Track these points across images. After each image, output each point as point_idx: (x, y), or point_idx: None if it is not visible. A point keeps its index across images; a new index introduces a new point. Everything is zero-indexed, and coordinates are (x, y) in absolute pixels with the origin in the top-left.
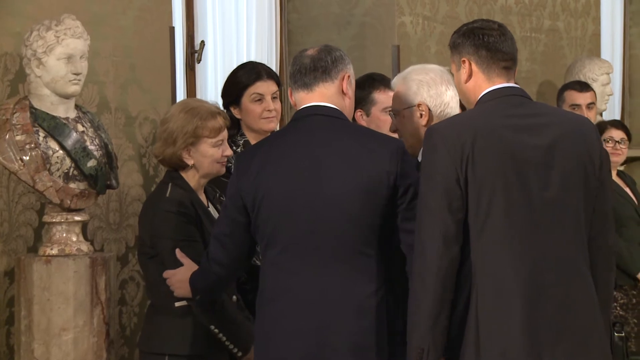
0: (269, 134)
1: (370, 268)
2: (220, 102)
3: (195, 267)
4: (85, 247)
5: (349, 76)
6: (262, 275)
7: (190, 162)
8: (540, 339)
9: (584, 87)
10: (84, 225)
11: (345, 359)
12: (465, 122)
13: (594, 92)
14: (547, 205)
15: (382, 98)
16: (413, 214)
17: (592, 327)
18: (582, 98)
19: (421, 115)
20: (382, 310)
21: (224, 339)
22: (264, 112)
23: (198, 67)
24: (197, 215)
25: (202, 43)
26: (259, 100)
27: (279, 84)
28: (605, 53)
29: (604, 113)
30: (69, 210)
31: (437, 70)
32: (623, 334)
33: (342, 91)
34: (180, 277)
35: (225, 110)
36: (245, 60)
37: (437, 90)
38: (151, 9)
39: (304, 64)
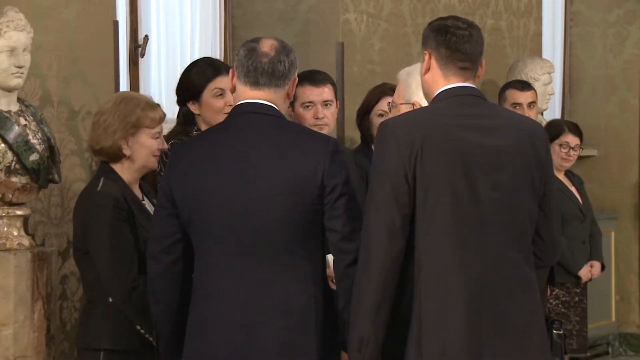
0: None
1: (298, 267)
2: (163, 97)
3: None
4: (26, 241)
5: (295, 80)
6: (195, 271)
7: (127, 152)
8: (482, 338)
9: (525, 86)
10: (25, 220)
11: (272, 356)
12: (417, 119)
13: (535, 91)
14: (493, 204)
15: (302, 93)
16: (338, 213)
17: (532, 326)
18: (523, 97)
19: None
20: (311, 309)
21: (151, 339)
22: (225, 106)
23: (142, 61)
24: (130, 210)
25: (146, 37)
26: (221, 95)
27: None
28: (546, 53)
29: (545, 112)
30: (11, 204)
31: None
32: (562, 332)
33: (288, 94)
34: None
35: (182, 107)
36: (188, 55)
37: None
38: (95, 3)
39: (262, 64)
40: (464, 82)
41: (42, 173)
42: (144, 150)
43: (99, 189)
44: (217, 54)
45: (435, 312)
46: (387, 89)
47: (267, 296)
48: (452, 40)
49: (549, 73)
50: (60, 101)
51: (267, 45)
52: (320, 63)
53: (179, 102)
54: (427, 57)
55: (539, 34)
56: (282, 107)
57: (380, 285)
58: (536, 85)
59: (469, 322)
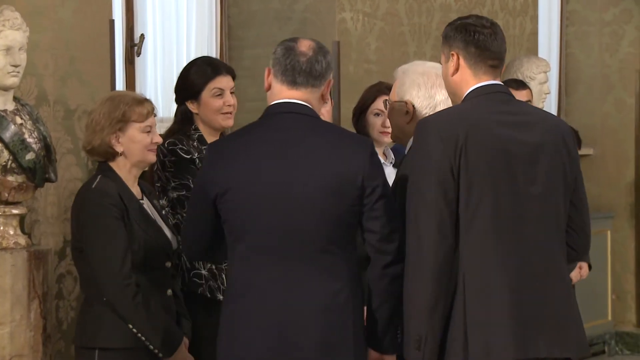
0: (224, 129)
1: (336, 266)
2: (159, 96)
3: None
4: (22, 240)
5: (331, 81)
6: (229, 268)
7: (119, 149)
8: (526, 333)
9: (520, 85)
10: (21, 219)
11: (310, 355)
12: (458, 115)
13: (530, 90)
14: (533, 199)
15: None
16: (377, 214)
17: (570, 319)
18: (519, 96)
19: (407, 112)
20: (348, 309)
21: (143, 339)
22: (224, 106)
23: (138, 60)
24: (124, 207)
25: (142, 36)
26: (219, 95)
27: (234, 79)
28: (542, 52)
29: None
30: (7, 203)
31: (433, 72)
32: None
33: (323, 95)
34: None
35: (181, 106)
36: (184, 54)
37: (428, 92)
38: (91, 2)
39: (299, 63)
40: (493, 79)
41: (38, 172)
42: (136, 144)
43: (93, 186)
44: (213, 52)
45: (479, 310)
46: (383, 88)
47: (305, 295)
48: (481, 38)
49: (545, 72)
50: (56, 100)
51: (305, 45)
52: None
53: (177, 100)
54: (454, 58)
55: (535, 33)
56: (316, 107)
57: (436, 281)
58: (532, 85)
59: (513, 320)
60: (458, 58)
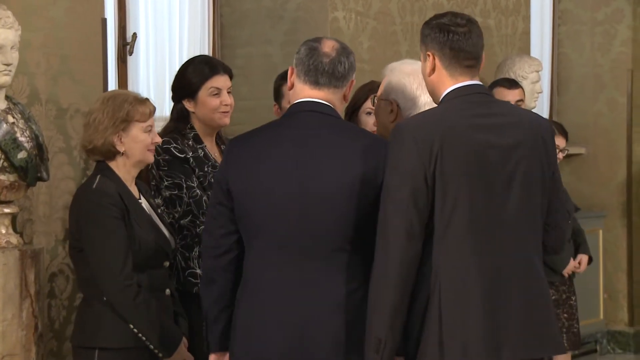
0: (221, 128)
1: (352, 266)
2: (151, 95)
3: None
4: (14, 239)
5: (353, 82)
6: (246, 265)
7: (122, 148)
8: (500, 335)
9: (512, 84)
10: (13, 218)
11: (327, 353)
12: (433, 120)
13: (523, 89)
14: (510, 202)
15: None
16: None
17: (547, 320)
18: (511, 95)
19: (391, 111)
20: (363, 308)
21: (144, 339)
22: (221, 105)
23: (130, 59)
24: (125, 207)
25: (134, 35)
26: (217, 94)
27: (231, 79)
28: (534, 51)
29: (533, 111)
30: None
31: (419, 74)
32: None
33: (345, 96)
34: None
35: (177, 104)
36: (177, 53)
37: (412, 94)
38: (83, 1)
39: (322, 64)
40: (470, 79)
41: (31, 171)
42: (138, 144)
43: (94, 186)
44: (205, 51)
45: (455, 312)
46: (376, 87)
47: (321, 294)
48: (455, 39)
49: (537, 71)
50: (48, 99)
51: (329, 46)
52: None
53: (174, 99)
54: (430, 58)
55: (527, 32)
56: (338, 107)
57: (399, 287)
58: (524, 84)
59: (488, 321)
60: (434, 59)
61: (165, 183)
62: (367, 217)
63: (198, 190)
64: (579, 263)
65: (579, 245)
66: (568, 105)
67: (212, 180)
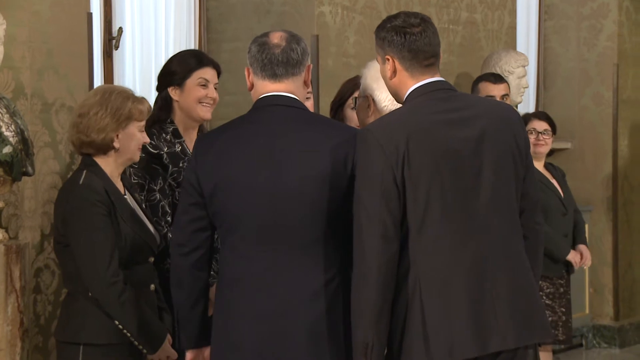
0: (202, 122)
1: (326, 255)
2: (137, 89)
3: None
4: None
5: (310, 66)
6: (221, 259)
7: (118, 145)
8: (488, 324)
9: (498, 79)
10: None
11: (301, 344)
12: (398, 122)
13: (508, 84)
14: (484, 193)
15: None
16: None
17: (534, 307)
18: (497, 90)
19: (368, 106)
20: (338, 298)
21: (129, 335)
22: (206, 97)
23: (116, 53)
24: (111, 203)
25: (120, 30)
26: (204, 85)
27: (219, 76)
28: (520, 46)
29: (519, 105)
30: None
31: None
32: None
33: (305, 81)
34: None
35: (162, 92)
36: (163, 48)
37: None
38: None
39: (275, 55)
40: (432, 77)
41: (16, 166)
42: (133, 143)
43: (81, 182)
44: (191, 46)
45: (438, 308)
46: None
47: (296, 284)
48: (412, 39)
49: (524, 66)
50: (33, 93)
51: (277, 37)
52: None
53: (159, 87)
54: (390, 62)
55: (513, 27)
56: (301, 95)
57: (380, 289)
58: (510, 78)
59: (473, 312)
60: (394, 62)
61: (132, 181)
62: (338, 207)
63: (158, 195)
64: (581, 255)
65: (577, 236)
66: (554, 100)
67: None
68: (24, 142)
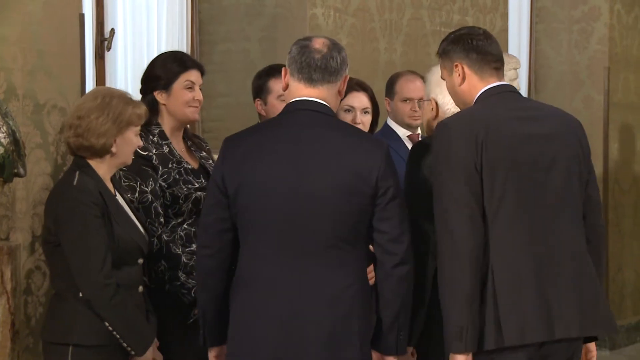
0: (189, 123)
1: (345, 262)
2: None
3: None
4: None
5: (347, 77)
6: (241, 260)
7: (115, 150)
8: (553, 313)
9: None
10: None
11: (318, 348)
12: (475, 115)
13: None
14: (553, 189)
15: (277, 87)
16: (389, 215)
17: (598, 298)
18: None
19: (432, 109)
20: (355, 303)
21: (118, 337)
22: (193, 100)
23: (108, 55)
24: (104, 204)
25: (112, 31)
26: (190, 87)
27: (202, 76)
28: (512, 49)
29: None
30: None
31: None
32: None
33: (339, 91)
34: None
35: (147, 96)
36: (155, 49)
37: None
38: None
39: (314, 60)
40: (499, 81)
41: (7, 167)
42: (130, 147)
43: (75, 183)
44: (183, 47)
45: (510, 297)
46: (353, 84)
47: (314, 289)
48: (479, 44)
49: (515, 69)
50: (25, 94)
51: (320, 43)
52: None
53: (144, 90)
54: (459, 68)
55: (505, 30)
56: (334, 104)
57: (473, 273)
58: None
59: (541, 301)
60: (462, 67)
61: (122, 184)
62: (360, 215)
63: (150, 196)
64: None
65: None
66: (545, 103)
67: (176, 176)
68: (16, 143)
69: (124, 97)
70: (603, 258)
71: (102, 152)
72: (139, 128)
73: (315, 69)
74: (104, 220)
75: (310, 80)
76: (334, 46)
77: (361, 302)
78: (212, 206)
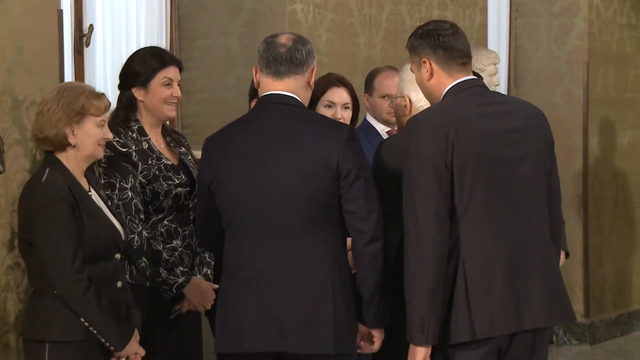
0: (166, 120)
1: (316, 246)
2: (108, 86)
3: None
4: None
5: (314, 68)
6: (224, 249)
7: (73, 141)
8: (522, 304)
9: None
10: None
11: (292, 330)
12: (445, 111)
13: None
14: (522, 183)
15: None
16: (355, 196)
17: (560, 287)
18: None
19: (405, 105)
20: (327, 286)
21: (95, 332)
22: (170, 97)
23: (87, 51)
24: (74, 200)
25: (91, 27)
26: (169, 84)
27: (181, 72)
28: (491, 44)
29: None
30: None
31: None
32: None
33: (308, 82)
34: None
35: (125, 92)
36: (134, 45)
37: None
38: None
39: (280, 53)
40: (467, 75)
41: None
42: (90, 139)
43: (43, 179)
44: (162, 43)
45: (480, 290)
46: (334, 80)
47: (286, 273)
48: (446, 40)
49: (495, 64)
50: (3, 90)
51: (284, 38)
52: None
53: (122, 86)
54: (427, 65)
55: (484, 25)
56: (302, 95)
57: (436, 267)
58: (482, 76)
59: (510, 291)
60: (430, 64)
61: (102, 181)
62: (328, 199)
63: (130, 193)
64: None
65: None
66: (525, 98)
67: (156, 172)
68: None
69: (80, 88)
70: (559, 245)
71: (59, 144)
72: (101, 119)
73: (281, 62)
74: (74, 215)
75: (277, 74)
76: (299, 39)
77: (335, 285)
78: (202, 202)
